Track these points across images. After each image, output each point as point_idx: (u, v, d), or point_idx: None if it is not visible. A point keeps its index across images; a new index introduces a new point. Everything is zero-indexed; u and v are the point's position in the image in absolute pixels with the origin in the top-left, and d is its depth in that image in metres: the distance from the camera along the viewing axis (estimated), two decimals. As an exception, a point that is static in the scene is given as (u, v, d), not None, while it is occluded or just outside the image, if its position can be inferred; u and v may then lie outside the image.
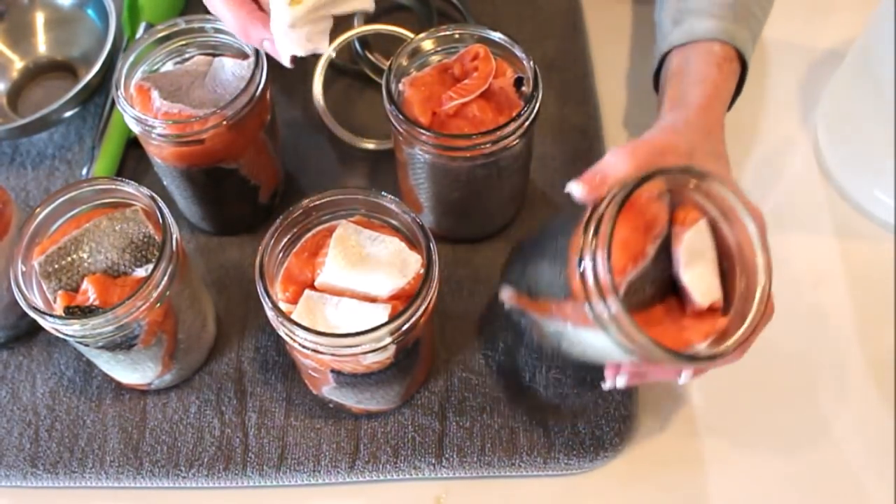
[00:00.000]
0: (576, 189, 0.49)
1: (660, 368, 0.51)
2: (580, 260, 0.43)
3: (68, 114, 0.71)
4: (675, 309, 0.47)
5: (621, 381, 0.52)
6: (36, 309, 0.50)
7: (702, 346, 0.45)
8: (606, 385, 0.52)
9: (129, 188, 0.54)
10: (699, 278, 0.46)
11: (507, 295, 0.54)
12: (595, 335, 0.44)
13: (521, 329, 0.58)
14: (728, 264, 0.47)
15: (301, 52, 0.53)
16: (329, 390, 0.57)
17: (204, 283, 0.64)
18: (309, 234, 0.54)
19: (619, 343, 0.43)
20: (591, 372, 0.58)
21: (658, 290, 0.47)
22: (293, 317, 0.50)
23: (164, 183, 0.65)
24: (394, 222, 0.54)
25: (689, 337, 0.46)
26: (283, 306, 0.51)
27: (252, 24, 0.53)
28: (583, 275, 0.43)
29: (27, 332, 0.64)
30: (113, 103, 0.72)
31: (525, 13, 0.80)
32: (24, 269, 0.52)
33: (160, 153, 0.60)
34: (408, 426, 0.59)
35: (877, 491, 0.57)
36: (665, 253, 0.47)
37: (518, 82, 0.59)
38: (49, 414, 0.61)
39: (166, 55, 0.61)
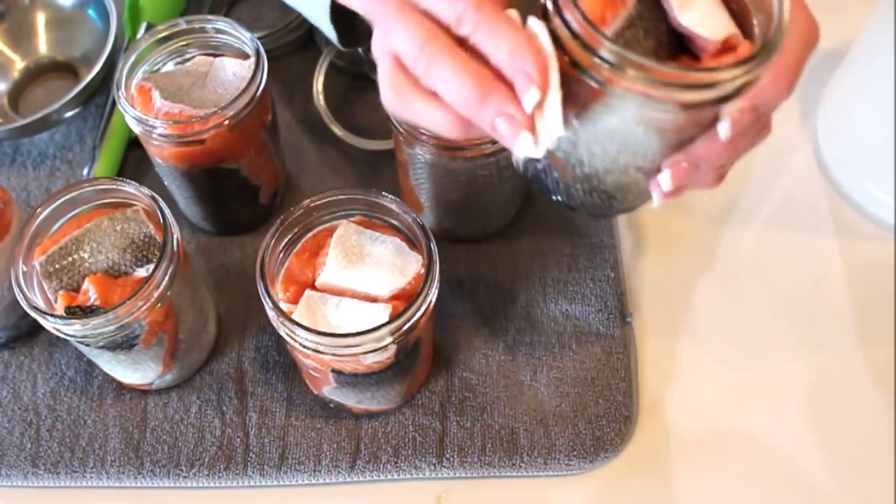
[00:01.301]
0: None
1: (701, 144, 0.42)
2: (549, 26, 0.39)
3: (69, 114, 0.71)
4: (694, 63, 0.41)
5: (666, 183, 0.43)
6: (37, 309, 0.50)
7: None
8: (655, 202, 0.44)
9: (130, 188, 0.54)
10: (701, 15, 0.39)
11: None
12: (605, 111, 0.39)
13: (544, 180, 0.48)
14: (738, 6, 0.41)
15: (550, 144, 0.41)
16: (330, 390, 0.57)
17: (205, 283, 0.65)
18: (310, 234, 0.54)
19: (629, 96, 0.37)
20: (631, 196, 0.47)
21: (661, 47, 0.41)
22: (294, 317, 0.50)
23: (165, 183, 0.65)
24: (394, 222, 0.54)
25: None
26: (284, 306, 0.51)
27: (496, 90, 0.39)
28: (557, 38, 0.38)
29: (28, 332, 0.64)
30: (114, 103, 0.72)
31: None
32: (25, 269, 0.52)
33: (161, 153, 0.60)
34: (408, 426, 0.59)
35: (877, 491, 0.57)
36: (654, 1, 0.41)
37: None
38: (50, 414, 0.61)
39: (167, 55, 0.61)
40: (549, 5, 0.38)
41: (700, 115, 0.40)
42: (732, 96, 0.38)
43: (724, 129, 0.41)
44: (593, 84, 0.38)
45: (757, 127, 0.43)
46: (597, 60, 0.37)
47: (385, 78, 0.44)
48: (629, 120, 0.39)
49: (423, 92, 0.42)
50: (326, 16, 0.55)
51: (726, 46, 0.39)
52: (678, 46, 0.41)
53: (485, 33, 0.40)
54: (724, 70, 0.36)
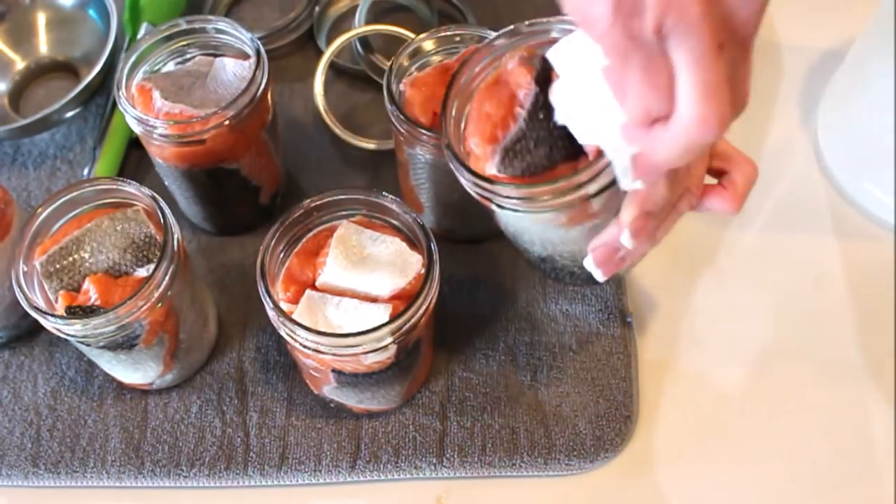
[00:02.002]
0: None
1: (607, 233, 0.46)
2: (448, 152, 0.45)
3: (70, 114, 0.71)
4: (585, 163, 0.45)
5: (589, 264, 0.47)
6: (37, 309, 0.50)
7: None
8: (600, 278, 0.49)
9: (131, 188, 0.54)
10: (580, 122, 0.43)
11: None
12: (504, 215, 0.45)
13: (527, 257, 0.56)
14: None
15: None
16: (330, 390, 0.57)
17: (205, 283, 0.65)
18: (310, 235, 0.54)
19: (506, 207, 0.43)
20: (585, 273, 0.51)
21: (557, 150, 0.44)
22: (294, 317, 0.50)
23: (166, 183, 0.65)
24: (394, 222, 0.54)
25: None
26: (285, 306, 0.51)
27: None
28: (451, 163, 0.45)
29: (29, 332, 0.64)
30: (114, 104, 0.72)
31: (526, 14, 0.80)
32: (25, 269, 0.52)
33: (161, 153, 0.60)
34: (409, 426, 0.59)
35: (877, 491, 0.57)
36: (549, 112, 0.44)
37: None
38: (50, 413, 0.61)
39: (168, 55, 0.61)
40: (445, 152, 0.45)
41: (582, 207, 0.45)
42: (601, 192, 0.43)
43: (625, 238, 0.45)
44: (492, 207, 0.44)
45: (663, 219, 0.46)
46: (470, 187, 0.45)
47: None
48: (525, 221, 0.45)
49: None
50: None
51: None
52: (575, 147, 0.44)
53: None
54: (561, 181, 0.42)
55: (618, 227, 0.45)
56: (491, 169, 0.45)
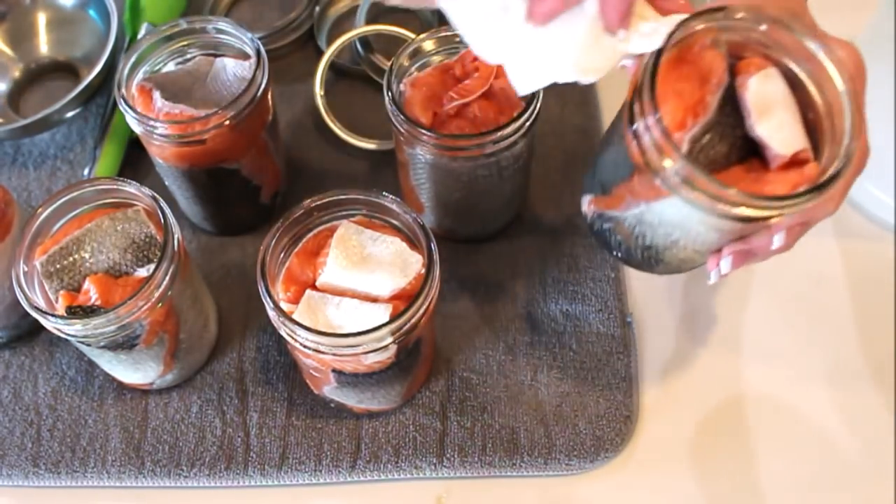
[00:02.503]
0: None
1: (758, 240, 0.45)
2: (632, 125, 0.40)
3: (70, 114, 0.71)
4: (757, 169, 0.43)
5: (725, 266, 0.46)
6: (38, 309, 0.50)
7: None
8: (711, 279, 0.47)
9: (131, 188, 0.54)
10: (777, 127, 0.42)
11: (585, 203, 0.51)
12: (671, 206, 0.41)
13: (607, 239, 0.51)
14: (814, 116, 0.43)
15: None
16: (330, 390, 0.57)
17: (205, 283, 0.65)
18: (310, 235, 0.54)
19: (693, 203, 0.40)
20: (685, 266, 0.51)
21: (734, 150, 0.43)
22: (294, 317, 0.50)
23: (166, 183, 0.65)
24: (395, 222, 0.54)
25: (774, 190, 0.41)
26: (285, 306, 0.51)
27: None
28: (638, 138, 0.40)
29: (29, 332, 0.64)
30: (115, 104, 0.72)
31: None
32: (26, 269, 0.52)
33: (162, 153, 0.60)
34: (409, 426, 0.59)
35: (877, 491, 0.57)
36: (733, 108, 0.43)
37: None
38: (51, 413, 0.61)
39: (168, 56, 0.61)
40: (636, 105, 0.40)
41: (757, 224, 0.43)
42: (787, 213, 0.41)
43: (778, 239, 0.44)
44: (662, 187, 0.41)
45: (807, 229, 0.46)
46: (668, 169, 0.40)
47: None
48: (693, 220, 0.42)
49: None
50: None
51: (795, 160, 0.41)
52: (751, 147, 0.43)
53: None
54: (784, 200, 0.39)
55: (772, 230, 0.44)
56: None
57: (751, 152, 0.43)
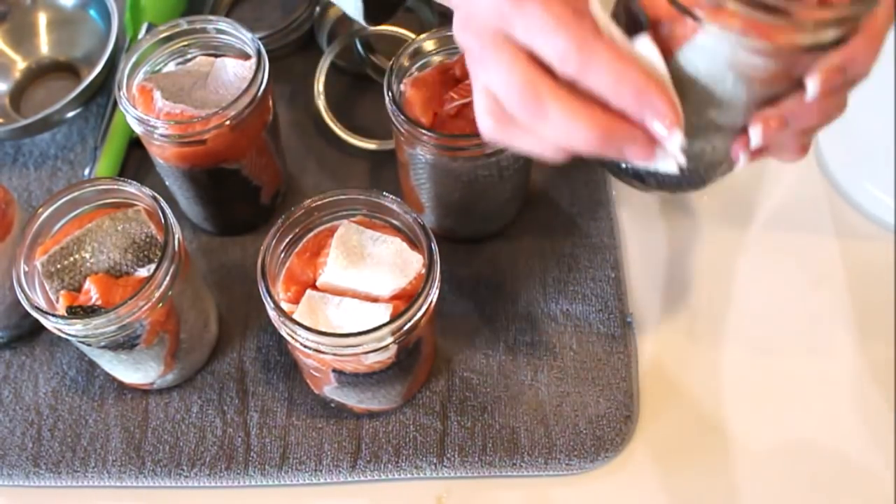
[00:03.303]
0: None
1: (790, 103, 0.41)
2: None
3: (71, 114, 0.71)
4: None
5: (755, 136, 0.42)
6: (38, 309, 0.50)
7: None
8: (740, 162, 0.43)
9: (132, 188, 0.54)
10: None
11: None
12: (697, 55, 0.39)
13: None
14: None
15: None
16: (331, 390, 0.57)
17: (206, 283, 0.65)
18: (310, 235, 0.54)
19: (725, 36, 0.37)
20: (703, 166, 0.46)
21: None
22: (295, 317, 0.50)
23: (167, 183, 0.65)
24: (395, 222, 0.54)
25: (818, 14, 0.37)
26: (285, 306, 0.51)
27: (619, 131, 0.38)
28: None
29: (30, 332, 0.64)
30: (115, 104, 0.72)
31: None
32: (26, 269, 0.52)
33: (162, 153, 0.60)
34: (409, 426, 0.59)
35: (877, 491, 0.57)
36: None
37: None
38: (51, 413, 0.61)
39: (168, 56, 0.61)
40: None
41: (792, 65, 0.39)
42: (826, 47, 0.38)
43: (812, 86, 0.40)
44: (691, 19, 0.37)
45: (842, 93, 0.42)
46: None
47: (482, 107, 0.41)
48: (721, 63, 0.39)
49: (527, 128, 0.40)
50: None
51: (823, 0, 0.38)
52: None
53: (596, 74, 0.38)
54: (832, 9, 0.36)
55: (807, 84, 0.40)
56: None
57: None
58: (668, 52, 0.39)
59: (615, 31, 0.39)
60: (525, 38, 0.38)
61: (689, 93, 0.40)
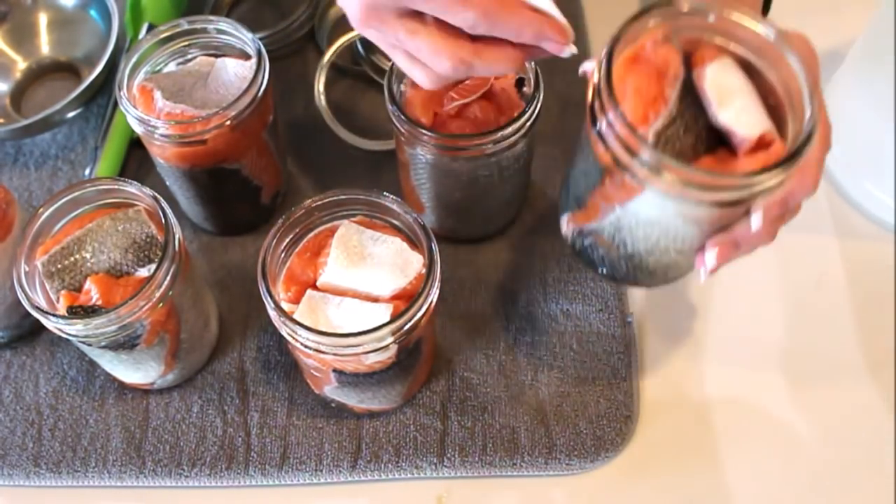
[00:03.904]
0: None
1: (739, 229, 0.45)
2: (595, 126, 0.41)
3: (71, 114, 0.71)
4: (726, 158, 0.43)
5: (711, 259, 0.46)
6: (39, 309, 0.51)
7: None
8: (701, 277, 0.47)
9: (132, 188, 0.54)
10: (739, 112, 0.42)
11: (563, 224, 0.51)
12: (645, 203, 0.42)
13: (590, 255, 0.51)
14: (774, 100, 0.43)
15: None
16: (331, 390, 0.57)
17: (206, 283, 0.65)
18: (311, 235, 0.54)
19: (665, 194, 0.40)
20: (671, 272, 0.51)
21: (700, 141, 0.43)
22: (295, 317, 0.50)
23: (167, 183, 0.65)
24: (395, 222, 0.55)
25: (738, 169, 0.41)
26: (286, 306, 0.51)
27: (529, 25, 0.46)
28: (602, 138, 0.41)
29: (30, 332, 0.64)
30: (116, 104, 0.72)
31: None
32: (27, 269, 0.53)
33: (163, 154, 0.60)
34: (409, 426, 0.59)
35: (877, 491, 0.57)
36: (694, 99, 0.43)
37: (519, 83, 0.59)
38: (52, 413, 0.61)
39: (169, 56, 0.61)
40: (596, 105, 0.41)
41: (734, 209, 0.42)
42: (764, 193, 0.40)
43: (756, 221, 0.43)
44: (633, 182, 0.41)
45: (788, 214, 0.46)
46: (636, 162, 0.40)
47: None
48: (669, 213, 0.42)
49: (410, 17, 0.45)
50: None
51: (761, 143, 0.41)
52: (717, 138, 0.43)
53: (501, 31, 0.45)
54: (755, 175, 0.39)
55: (751, 220, 0.44)
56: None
57: (718, 143, 0.43)
58: (625, 195, 0.43)
59: None
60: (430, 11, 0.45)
61: (648, 229, 0.44)
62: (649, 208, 0.42)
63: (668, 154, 0.40)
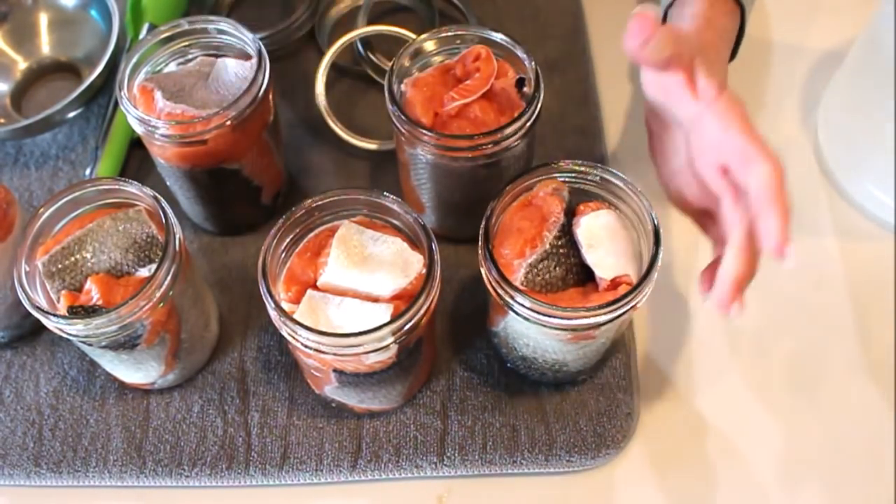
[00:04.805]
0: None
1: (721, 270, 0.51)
2: (483, 258, 0.51)
3: (72, 114, 0.71)
4: (591, 291, 0.52)
5: (722, 306, 0.52)
6: (40, 309, 0.51)
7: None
8: (729, 313, 0.53)
9: (133, 188, 0.54)
10: (602, 256, 0.52)
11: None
12: (516, 321, 0.51)
13: (498, 350, 0.61)
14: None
15: None
16: (331, 390, 0.57)
17: (207, 283, 0.65)
18: (311, 235, 0.54)
19: (526, 320, 0.50)
20: (561, 375, 0.59)
21: (571, 274, 0.53)
22: (296, 317, 0.50)
23: (168, 183, 0.65)
24: (396, 222, 0.55)
25: (592, 302, 0.50)
26: (286, 306, 0.51)
27: None
28: (485, 272, 0.51)
29: (31, 332, 0.64)
30: (116, 104, 0.72)
31: (526, 14, 0.80)
32: (27, 269, 0.53)
33: (163, 154, 0.60)
34: (410, 425, 0.59)
35: (877, 491, 0.57)
36: (570, 240, 0.53)
37: (520, 83, 0.59)
38: (52, 413, 0.61)
39: (169, 56, 0.61)
40: (480, 253, 0.51)
41: (588, 331, 0.51)
42: (612, 321, 0.49)
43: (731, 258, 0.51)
44: (509, 311, 0.50)
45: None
46: (507, 299, 0.50)
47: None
48: (537, 332, 0.52)
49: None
50: None
51: (617, 282, 0.51)
52: (590, 274, 0.53)
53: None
54: (591, 310, 0.48)
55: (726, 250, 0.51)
56: (514, 280, 0.51)
57: (591, 277, 0.53)
58: (504, 315, 0.54)
59: None
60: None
61: (524, 339, 0.55)
62: (519, 326, 0.53)
63: (538, 282, 0.52)
